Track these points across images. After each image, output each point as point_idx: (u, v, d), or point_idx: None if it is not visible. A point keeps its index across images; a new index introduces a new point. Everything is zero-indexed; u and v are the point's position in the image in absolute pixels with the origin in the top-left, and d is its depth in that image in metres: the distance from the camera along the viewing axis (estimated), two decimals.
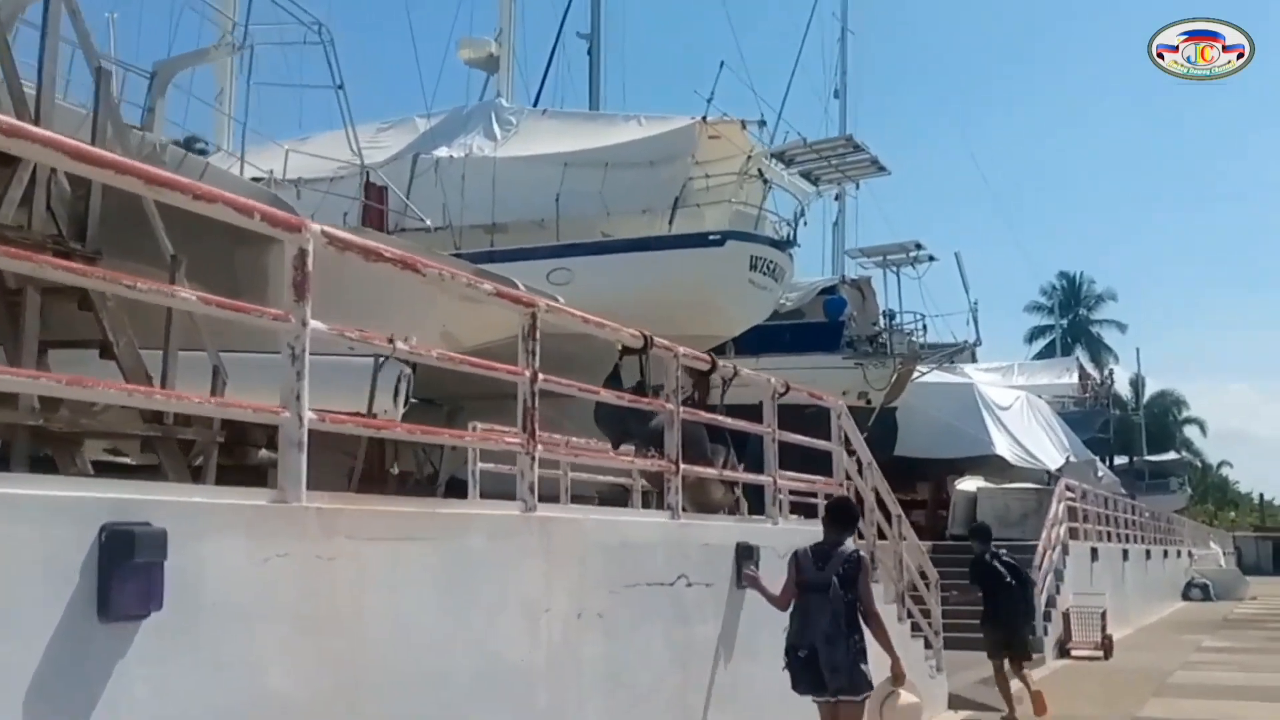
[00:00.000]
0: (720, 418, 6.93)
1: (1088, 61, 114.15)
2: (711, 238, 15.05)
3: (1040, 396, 31.88)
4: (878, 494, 9.68)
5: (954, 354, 22.30)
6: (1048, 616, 15.04)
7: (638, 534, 5.66)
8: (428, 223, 15.13)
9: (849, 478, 9.07)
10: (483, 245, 15.77)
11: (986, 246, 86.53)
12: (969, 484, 21.15)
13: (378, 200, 15.59)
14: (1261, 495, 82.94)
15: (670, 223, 15.20)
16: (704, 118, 15.46)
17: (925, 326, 22.56)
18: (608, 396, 5.59)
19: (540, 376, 4.72)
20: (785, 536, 7.56)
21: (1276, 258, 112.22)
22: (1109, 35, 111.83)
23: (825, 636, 5.84)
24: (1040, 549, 15.10)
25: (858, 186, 16.61)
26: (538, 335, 4.74)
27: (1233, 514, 77.20)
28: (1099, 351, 61.98)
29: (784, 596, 6.21)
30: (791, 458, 10.02)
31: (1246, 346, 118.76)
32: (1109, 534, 22.18)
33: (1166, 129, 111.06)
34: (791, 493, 11.06)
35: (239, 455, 10.70)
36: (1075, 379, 37.76)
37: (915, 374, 23.09)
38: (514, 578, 4.53)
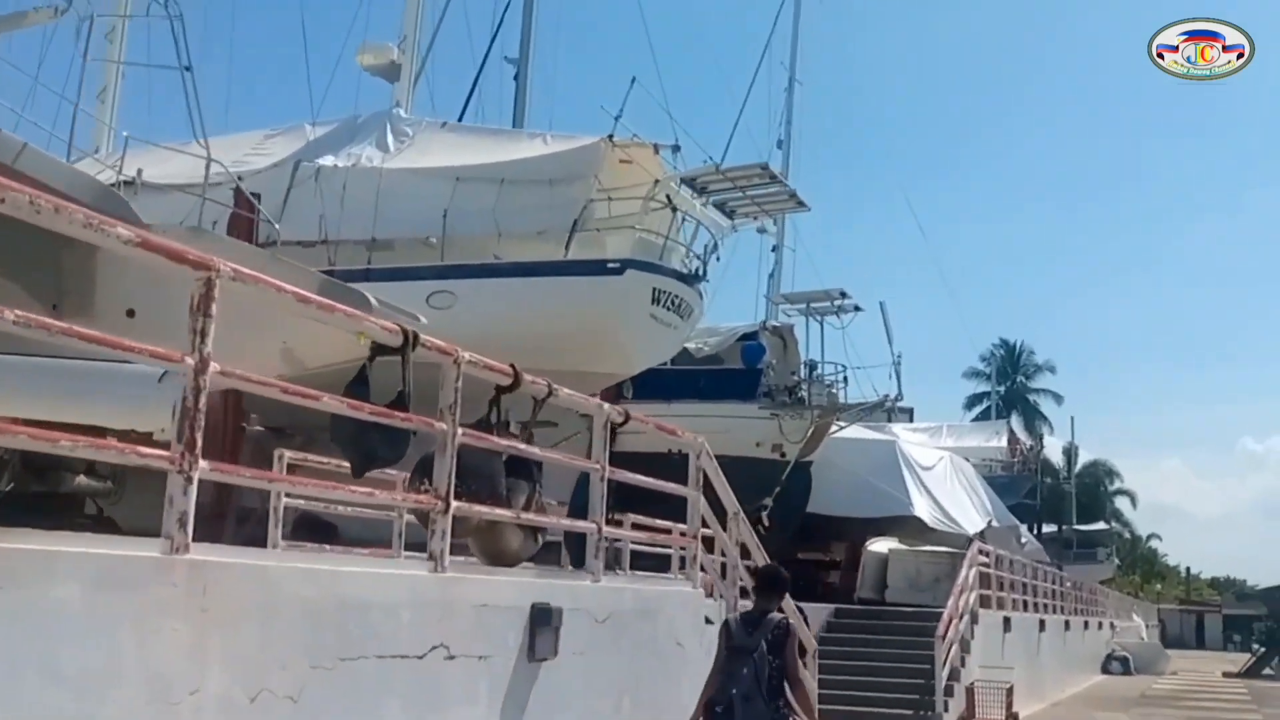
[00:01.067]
0: (523, 446, 5.73)
1: (1033, 137, 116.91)
2: (610, 265, 13.97)
3: (968, 460, 31.27)
4: (744, 549, 8.54)
5: (875, 409, 21.45)
6: (949, 691, 13.97)
7: (369, 590, 4.42)
8: (277, 228, 13.77)
9: (706, 526, 7.89)
10: (362, 262, 14.53)
11: (928, 311, 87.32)
12: (881, 545, 20.19)
13: (248, 210, 14.27)
14: (1188, 569, 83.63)
15: (567, 247, 14.10)
16: (610, 136, 14.45)
17: (846, 379, 21.77)
18: (337, 407, 4.38)
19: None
20: (609, 598, 6.38)
21: (1211, 336, 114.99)
22: (1050, 114, 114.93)
23: (744, 695, 5.85)
24: (945, 617, 14.06)
25: (776, 222, 15.65)
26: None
27: (1159, 586, 77.50)
28: (1034, 420, 62.11)
29: (714, 675, 6.11)
30: (661, 506, 9.03)
31: (1180, 423, 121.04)
32: (1026, 603, 21.29)
33: (1106, 205, 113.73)
34: (644, 545, 9.91)
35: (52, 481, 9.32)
36: (1004, 443, 37.25)
37: (833, 428, 22.21)
38: (134, 644, 3.28)
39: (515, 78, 20.96)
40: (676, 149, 14.75)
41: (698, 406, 21.01)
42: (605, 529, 6.46)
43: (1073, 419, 62.18)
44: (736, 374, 21.42)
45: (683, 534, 7.97)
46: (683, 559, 8.58)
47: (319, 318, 4.48)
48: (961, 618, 15.02)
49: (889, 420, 32.33)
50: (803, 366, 21.80)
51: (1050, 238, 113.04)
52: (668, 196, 14.44)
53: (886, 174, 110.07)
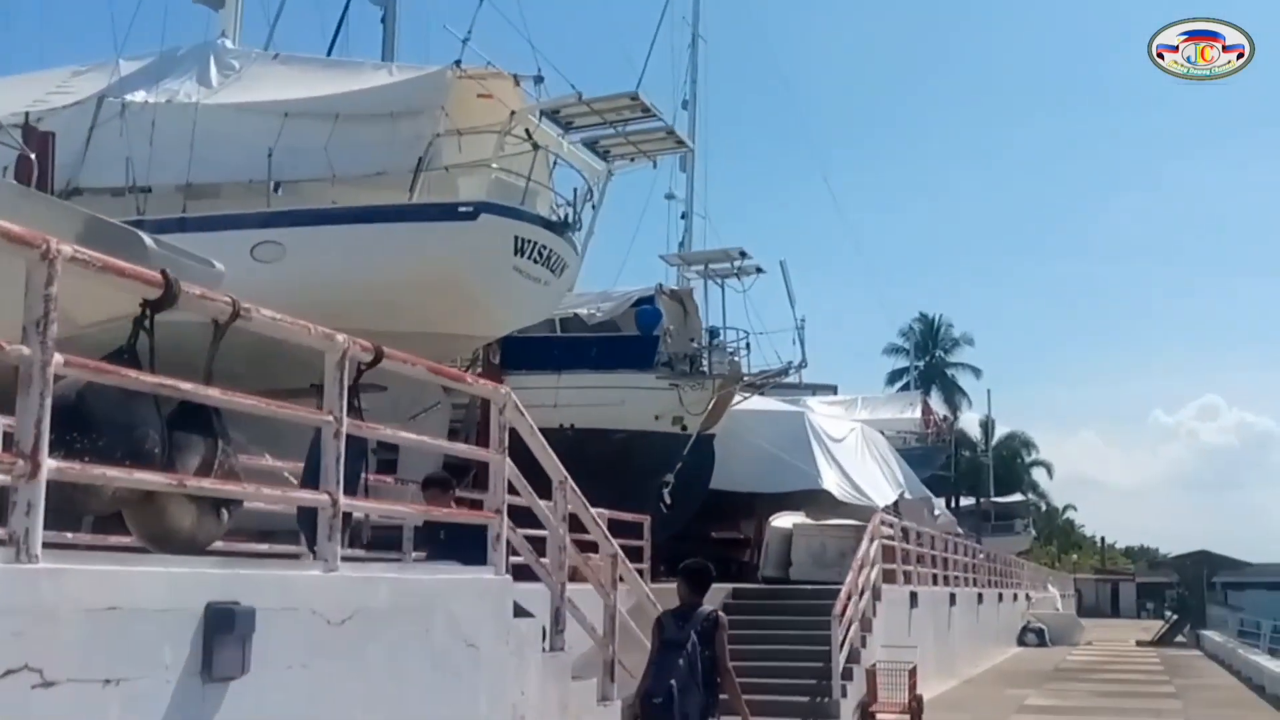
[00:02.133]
0: (187, 388, 4.06)
1: (953, 108, 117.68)
2: (462, 210, 12.30)
3: (882, 433, 30.35)
4: (575, 520, 7.01)
5: (778, 376, 20.11)
6: (848, 675, 12.72)
7: None
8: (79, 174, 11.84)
9: (515, 495, 6.34)
10: (178, 210, 12.63)
11: (847, 287, 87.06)
12: (785, 520, 18.94)
13: (42, 151, 12.25)
14: (1103, 539, 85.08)
15: (412, 190, 12.38)
16: (458, 63, 12.73)
17: (749, 346, 20.36)
18: None
19: None
20: (350, 592, 4.80)
21: (1122, 311, 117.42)
22: (976, 83, 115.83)
23: (681, 685, 6.01)
24: (842, 594, 12.76)
25: (655, 165, 14.09)
26: None
27: (1075, 557, 78.65)
28: (954, 395, 62.08)
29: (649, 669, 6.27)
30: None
31: (1094, 396, 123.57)
32: (936, 577, 20.28)
33: (1023, 180, 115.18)
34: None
35: None
36: (918, 414, 36.53)
37: (736, 398, 20.87)
38: None
39: (382, 20, 19.04)
40: (539, 80, 13.09)
41: (590, 377, 19.51)
42: (348, 502, 4.85)
43: (989, 392, 61.88)
44: (631, 341, 19.92)
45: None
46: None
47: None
48: (862, 595, 13.78)
49: (812, 394, 31.30)
50: (704, 333, 20.36)
51: (967, 213, 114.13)
52: (528, 132, 12.79)
53: (801, 144, 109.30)
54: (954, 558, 22.62)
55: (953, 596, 21.14)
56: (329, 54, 16.15)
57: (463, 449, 6.40)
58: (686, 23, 29.57)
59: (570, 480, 6.46)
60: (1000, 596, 29.09)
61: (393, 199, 12.55)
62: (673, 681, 5.94)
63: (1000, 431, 63.80)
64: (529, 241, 12.89)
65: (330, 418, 4.82)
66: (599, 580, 7.18)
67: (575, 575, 7.17)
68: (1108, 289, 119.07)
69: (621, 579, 7.45)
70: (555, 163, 14.44)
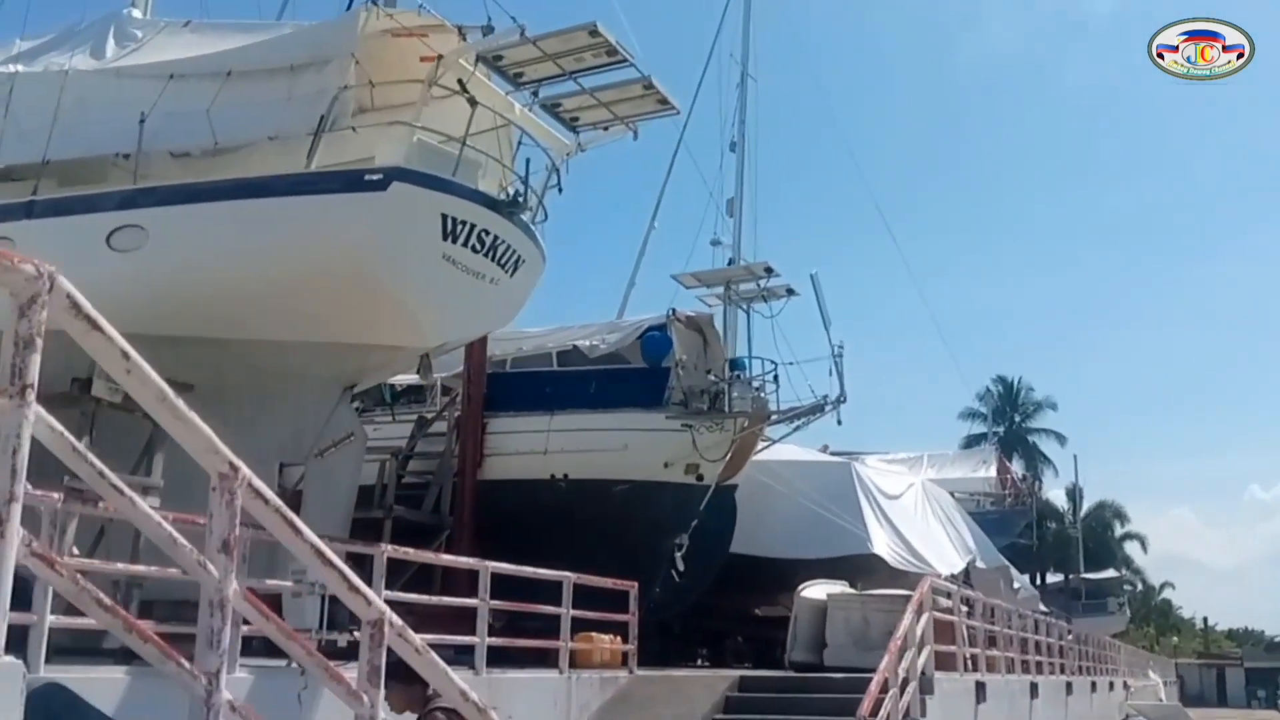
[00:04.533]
0: None
1: (1024, 170, 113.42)
2: (370, 178, 9.60)
3: (952, 494, 26.65)
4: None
5: (811, 413, 16.85)
6: None
7: None
8: None
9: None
10: (30, 192, 10.20)
11: (914, 351, 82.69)
12: (817, 590, 15.45)
13: None
14: (1205, 619, 78.01)
15: (310, 155, 9.75)
16: (375, 1, 10.17)
17: (777, 378, 17.13)
18: None
19: None
20: None
21: (1216, 383, 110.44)
22: (1047, 138, 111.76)
23: None
24: (873, 685, 9.37)
25: (635, 135, 11.19)
26: None
27: (1175, 640, 71.86)
28: (1036, 462, 57.55)
29: None
30: None
31: (1186, 470, 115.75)
32: (1013, 661, 16.54)
33: (1107, 243, 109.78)
34: None
35: None
36: (993, 472, 32.47)
37: (762, 443, 17.65)
38: None
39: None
40: (489, 30, 10.38)
41: (588, 418, 16.57)
42: None
43: (1076, 458, 56.86)
44: (636, 374, 16.92)
45: None
46: None
47: None
48: (904, 687, 10.34)
49: (857, 454, 27.71)
50: (725, 365, 17.22)
51: (1041, 271, 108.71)
52: (460, 82, 10.09)
53: (859, 198, 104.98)
54: (1038, 639, 18.77)
55: (1034, 687, 17.30)
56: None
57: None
58: (735, 60, 27.28)
59: (249, 474, 3.42)
60: (1094, 685, 24.77)
61: (285, 167, 9.91)
62: None
63: (1089, 501, 58.60)
64: (463, 224, 10.11)
65: None
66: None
67: None
68: (1195, 359, 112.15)
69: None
70: (519, 141, 11.75)
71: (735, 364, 17.42)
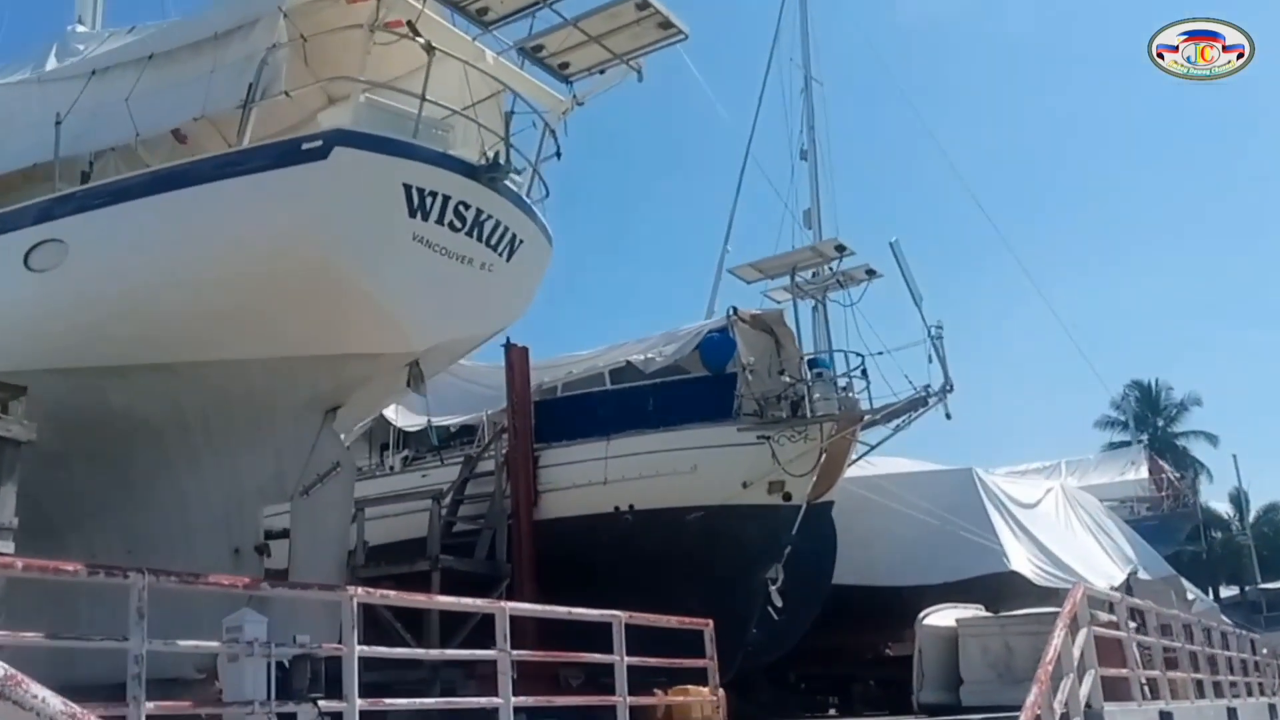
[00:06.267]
0: None
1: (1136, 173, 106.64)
2: (308, 146, 7.86)
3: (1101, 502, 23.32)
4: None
5: (913, 408, 14.22)
6: None
7: None
8: None
9: None
10: None
11: (1037, 357, 76.95)
12: (944, 617, 12.74)
13: None
14: None
15: (241, 130, 8.09)
16: None
17: (866, 373, 14.59)
18: None
19: None
20: None
21: None
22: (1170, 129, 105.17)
23: None
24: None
25: (640, 76, 9.19)
26: None
27: None
28: (1190, 468, 52.31)
29: None
30: None
31: None
32: (1202, 685, 13.44)
33: (1222, 249, 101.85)
34: None
35: None
36: (1144, 474, 28.68)
37: (854, 450, 15.10)
38: None
39: None
40: None
41: (649, 439, 14.34)
42: None
43: (1235, 458, 51.36)
44: (697, 385, 14.74)
45: None
46: None
47: None
48: None
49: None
50: (803, 366, 14.79)
51: (1171, 280, 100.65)
52: (410, 25, 8.32)
53: (955, 204, 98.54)
54: (1229, 655, 15.48)
55: (1232, 714, 14.07)
56: None
57: None
58: (796, 65, 25.42)
59: None
60: None
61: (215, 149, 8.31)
62: None
63: (1256, 504, 52.84)
64: (434, 195, 8.28)
65: None
66: None
67: None
68: None
69: None
70: (512, 104, 9.92)
71: (814, 364, 14.98)
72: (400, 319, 8.61)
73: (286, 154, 7.92)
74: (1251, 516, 51.14)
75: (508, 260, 9.15)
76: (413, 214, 8.20)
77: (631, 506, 14.04)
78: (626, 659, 8.40)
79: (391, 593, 7.09)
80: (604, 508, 14.13)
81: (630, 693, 9.31)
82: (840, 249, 15.09)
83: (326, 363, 8.78)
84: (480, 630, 11.68)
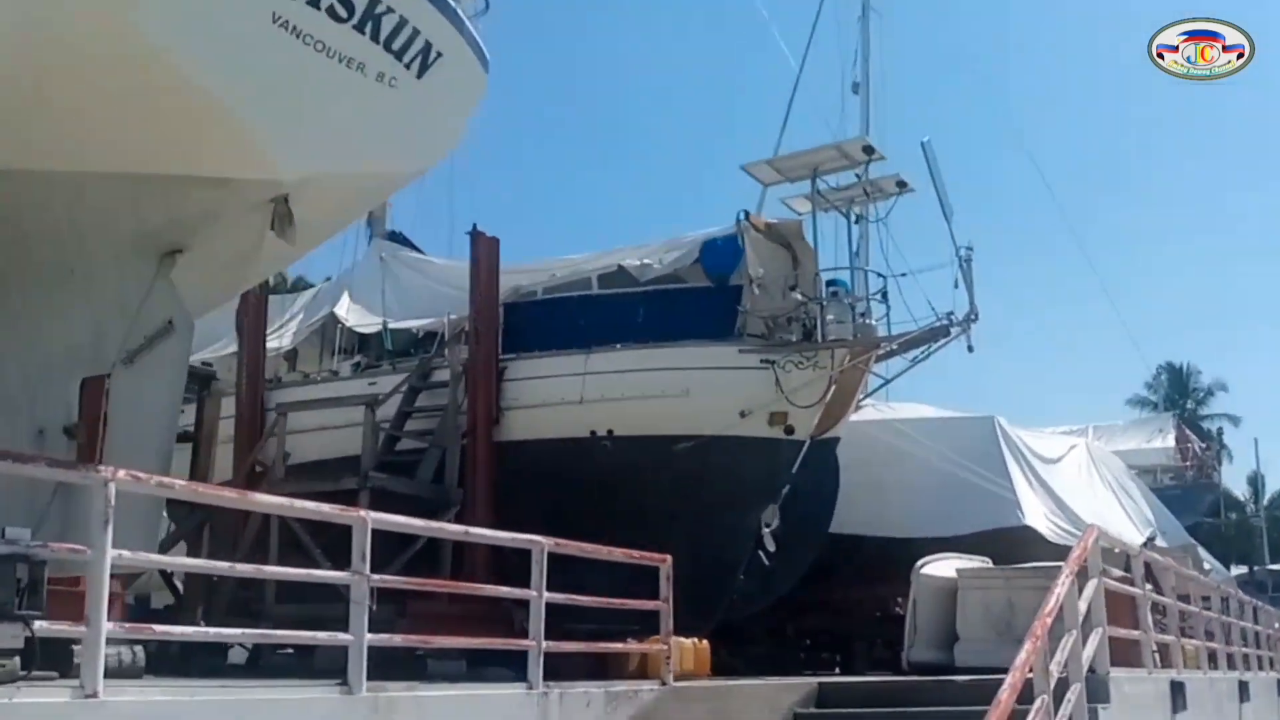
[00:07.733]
0: None
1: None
2: None
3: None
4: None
5: (934, 337, 12.98)
6: None
7: None
8: None
9: None
10: None
11: (1070, 324, 74.78)
12: (942, 567, 11.65)
13: None
14: None
15: None
16: None
17: (886, 295, 13.28)
18: None
19: None
20: None
21: None
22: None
23: None
24: (1005, 689, 5.80)
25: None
26: None
27: None
28: (1213, 449, 52.16)
29: None
30: None
31: None
32: (1215, 655, 12.43)
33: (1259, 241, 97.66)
34: None
35: None
36: (1170, 442, 27.51)
37: (864, 384, 13.89)
38: None
39: None
40: None
41: (636, 354, 12.92)
42: None
43: (1256, 441, 51.12)
44: (696, 296, 13.43)
45: None
46: None
47: None
48: (1057, 687, 6.67)
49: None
50: (820, 285, 13.47)
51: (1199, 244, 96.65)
52: None
53: (1006, 152, 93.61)
54: (1244, 625, 14.45)
55: (1244, 687, 13.08)
56: None
57: None
58: None
59: None
60: None
61: None
62: None
63: (1271, 488, 53.49)
64: None
65: None
66: None
67: None
68: None
69: None
70: None
71: (832, 284, 13.68)
72: (254, 129, 6.88)
73: None
74: (1266, 499, 52.59)
75: (418, 76, 7.63)
76: None
77: (610, 432, 12.66)
78: (547, 594, 6.90)
79: (145, 474, 5.03)
80: (578, 431, 12.74)
81: (596, 640, 8.41)
82: (869, 150, 13.66)
83: (164, 186, 7.10)
84: (421, 558, 10.59)
